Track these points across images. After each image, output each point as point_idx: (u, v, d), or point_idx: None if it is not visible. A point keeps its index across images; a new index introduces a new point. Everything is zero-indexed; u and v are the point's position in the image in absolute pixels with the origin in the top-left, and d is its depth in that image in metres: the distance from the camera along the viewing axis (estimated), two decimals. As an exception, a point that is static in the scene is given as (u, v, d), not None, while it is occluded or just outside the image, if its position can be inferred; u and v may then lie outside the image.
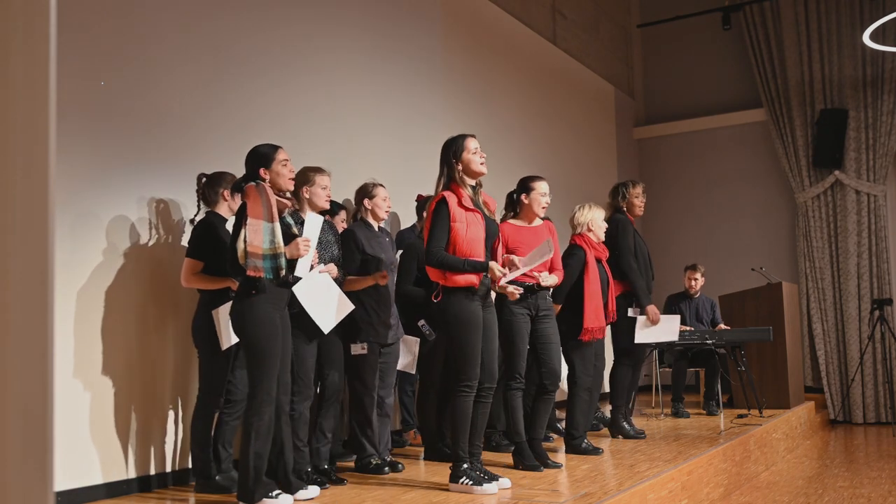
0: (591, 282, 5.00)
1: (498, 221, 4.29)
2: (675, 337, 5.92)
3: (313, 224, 3.72)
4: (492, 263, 3.87)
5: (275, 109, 5.00)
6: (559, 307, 5.06)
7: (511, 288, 4.05)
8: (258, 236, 3.41)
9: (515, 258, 4.03)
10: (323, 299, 3.99)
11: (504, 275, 3.93)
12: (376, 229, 4.53)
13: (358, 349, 4.32)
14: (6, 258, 0.74)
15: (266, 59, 5.00)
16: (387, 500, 3.66)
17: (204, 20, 4.62)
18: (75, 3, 3.87)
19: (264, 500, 3.44)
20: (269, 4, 5.11)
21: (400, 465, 4.42)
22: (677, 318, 6.01)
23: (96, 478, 3.89)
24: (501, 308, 4.42)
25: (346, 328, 4.26)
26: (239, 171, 4.32)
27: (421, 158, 6.34)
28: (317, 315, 3.95)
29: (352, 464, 4.50)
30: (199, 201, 4.13)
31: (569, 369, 5.11)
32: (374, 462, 4.33)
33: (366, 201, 4.48)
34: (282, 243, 3.48)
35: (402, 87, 6.29)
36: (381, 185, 4.55)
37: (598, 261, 5.17)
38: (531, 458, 4.42)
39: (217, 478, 3.98)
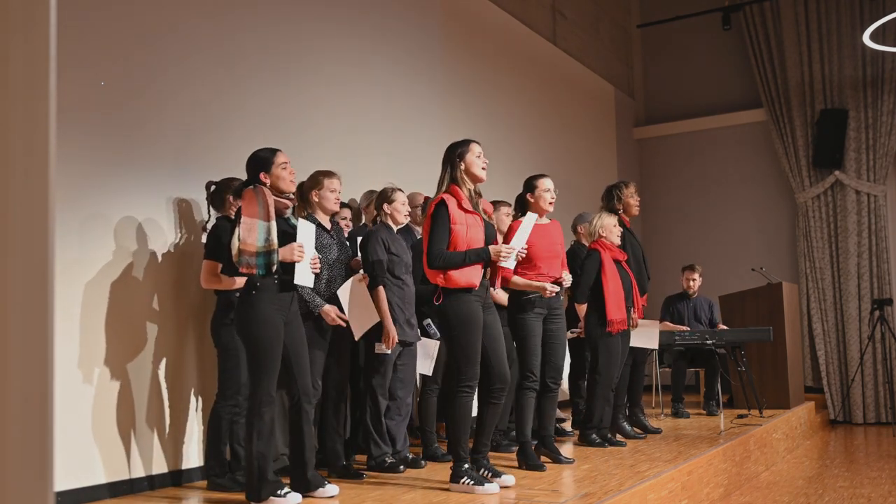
0: (609, 277, 5.13)
1: (506, 224, 4.39)
2: (655, 345, 5.99)
3: (305, 231, 3.73)
4: (491, 246, 3.87)
5: (274, 109, 5.00)
6: (584, 306, 5.23)
7: (550, 288, 4.38)
8: (252, 234, 3.44)
9: (504, 246, 3.95)
10: (360, 307, 4.17)
11: (505, 255, 3.86)
12: (395, 232, 4.57)
13: (382, 348, 4.33)
14: (6, 258, 0.74)
15: (264, 59, 5.00)
16: (387, 499, 3.66)
17: (202, 25, 4.63)
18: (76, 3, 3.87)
19: (272, 498, 3.47)
20: (263, 4, 5.10)
21: (422, 462, 4.51)
22: (656, 324, 6.04)
23: (122, 474, 3.98)
24: (516, 308, 4.55)
25: (372, 327, 4.32)
26: (243, 172, 4.34)
27: (420, 158, 6.34)
28: (353, 321, 4.14)
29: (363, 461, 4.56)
30: (209, 207, 4.24)
31: (592, 362, 5.24)
32: (389, 461, 4.35)
33: (385, 206, 4.52)
34: (276, 242, 3.50)
35: (401, 87, 6.29)
36: (400, 190, 4.58)
37: (618, 262, 5.26)
38: (534, 457, 4.43)
39: (237, 476, 4.04)
